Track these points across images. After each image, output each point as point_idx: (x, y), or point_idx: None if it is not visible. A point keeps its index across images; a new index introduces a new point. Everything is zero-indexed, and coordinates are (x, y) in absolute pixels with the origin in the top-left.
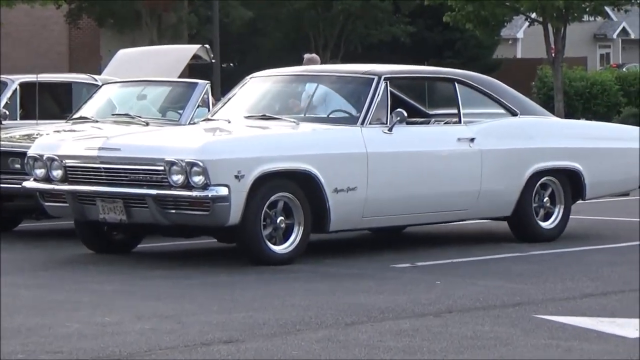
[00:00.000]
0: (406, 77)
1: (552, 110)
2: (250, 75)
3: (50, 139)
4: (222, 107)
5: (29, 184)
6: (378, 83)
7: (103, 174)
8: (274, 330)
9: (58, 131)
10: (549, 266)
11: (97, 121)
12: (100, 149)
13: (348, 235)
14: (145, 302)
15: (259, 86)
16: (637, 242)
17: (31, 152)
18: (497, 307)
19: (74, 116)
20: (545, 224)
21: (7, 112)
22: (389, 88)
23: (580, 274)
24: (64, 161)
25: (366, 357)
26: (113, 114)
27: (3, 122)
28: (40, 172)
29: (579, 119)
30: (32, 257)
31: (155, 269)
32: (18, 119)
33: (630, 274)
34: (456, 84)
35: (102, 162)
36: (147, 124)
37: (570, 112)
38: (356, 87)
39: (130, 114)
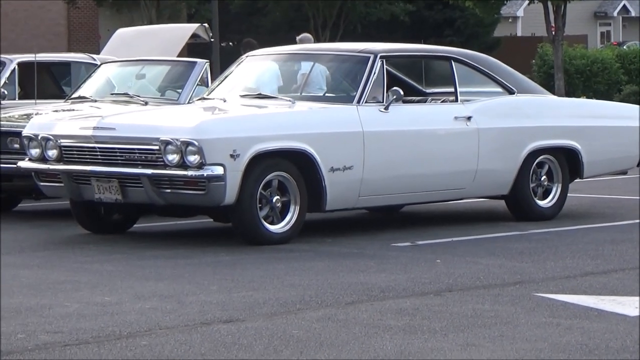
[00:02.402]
0: (402, 55)
1: (552, 88)
2: (246, 54)
3: (45, 119)
4: (217, 85)
5: (24, 163)
6: (374, 61)
7: (98, 153)
8: (274, 309)
9: (57, 111)
10: (549, 245)
11: (95, 101)
12: (95, 128)
13: (347, 214)
14: (144, 282)
15: (255, 65)
16: (638, 221)
17: (26, 132)
18: (497, 285)
19: (73, 96)
20: (542, 203)
21: (6, 92)
22: (385, 66)
23: (581, 252)
24: (59, 141)
25: (366, 336)
26: (112, 94)
27: (2, 101)
28: (35, 152)
29: (579, 97)
30: (32, 237)
31: (155, 249)
32: (17, 99)
33: (630, 252)
34: (453, 62)
35: (97, 142)
36: (146, 104)
37: (570, 90)
38: (352, 66)
39: (129, 94)
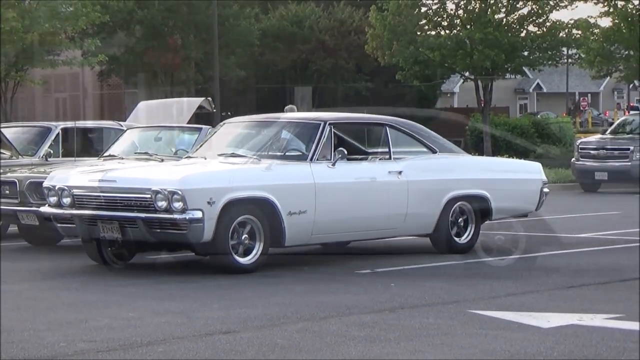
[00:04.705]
0: (347, 122)
1: (482, 149)
2: (223, 122)
3: (61, 173)
4: (200, 147)
5: (45, 209)
6: (324, 127)
7: (102, 200)
8: (263, 323)
9: (91, 166)
10: (479, 272)
11: (122, 158)
12: (100, 180)
13: (317, 249)
14: (160, 301)
15: (230, 130)
16: (544, 253)
17: (46, 184)
18: (439, 304)
19: (104, 154)
20: (459, 240)
21: (52, 151)
22: (332, 131)
23: (504, 277)
24: (72, 190)
25: (336, 344)
26: (135, 153)
27: (48, 159)
28: (53, 199)
29: (502, 156)
30: (72, 265)
31: (167, 275)
32: (60, 157)
33: (543, 277)
34: (387, 128)
35: (101, 191)
36: (162, 160)
37: (495, 150)
38: (306, 131)
39: (149, 152)
